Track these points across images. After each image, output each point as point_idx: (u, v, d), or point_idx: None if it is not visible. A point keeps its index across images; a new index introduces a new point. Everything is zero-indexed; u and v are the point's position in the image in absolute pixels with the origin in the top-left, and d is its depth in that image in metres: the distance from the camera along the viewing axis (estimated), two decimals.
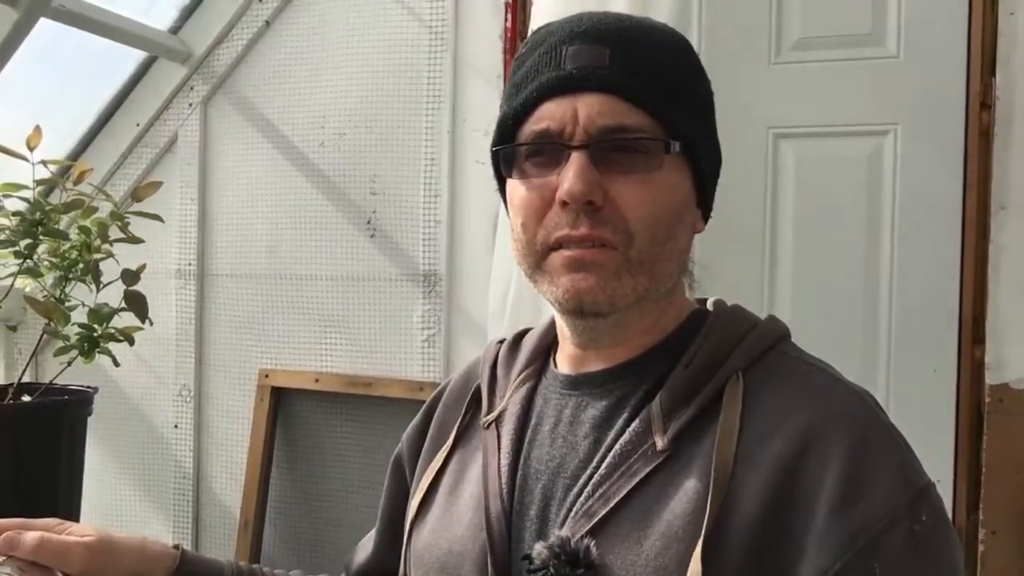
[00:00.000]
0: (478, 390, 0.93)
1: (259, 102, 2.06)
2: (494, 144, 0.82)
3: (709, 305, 0.86)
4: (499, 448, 0.85)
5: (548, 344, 0.91)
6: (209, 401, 2.10)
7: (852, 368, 1.72)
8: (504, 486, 0.82)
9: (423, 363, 1.91)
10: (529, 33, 0.88)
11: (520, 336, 0.96)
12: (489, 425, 0.88)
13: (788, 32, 1.80)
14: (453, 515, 0.85)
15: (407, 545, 0.89)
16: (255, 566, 0.99)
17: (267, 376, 2.02)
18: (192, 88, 2.08)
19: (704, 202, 0.84)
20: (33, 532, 0.80)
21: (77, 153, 2.11)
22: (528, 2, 1.80)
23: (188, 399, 2.09)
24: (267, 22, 2.03)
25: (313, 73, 2.01)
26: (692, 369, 0.77)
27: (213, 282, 2.10)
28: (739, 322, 0.82)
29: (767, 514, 0.69)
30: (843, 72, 1.76)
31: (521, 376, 0.89)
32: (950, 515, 1.66)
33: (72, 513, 1.37)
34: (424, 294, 1.92)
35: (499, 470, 0.83)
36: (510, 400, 0.88)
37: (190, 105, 2.09)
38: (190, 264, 2.09)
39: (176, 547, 0.91)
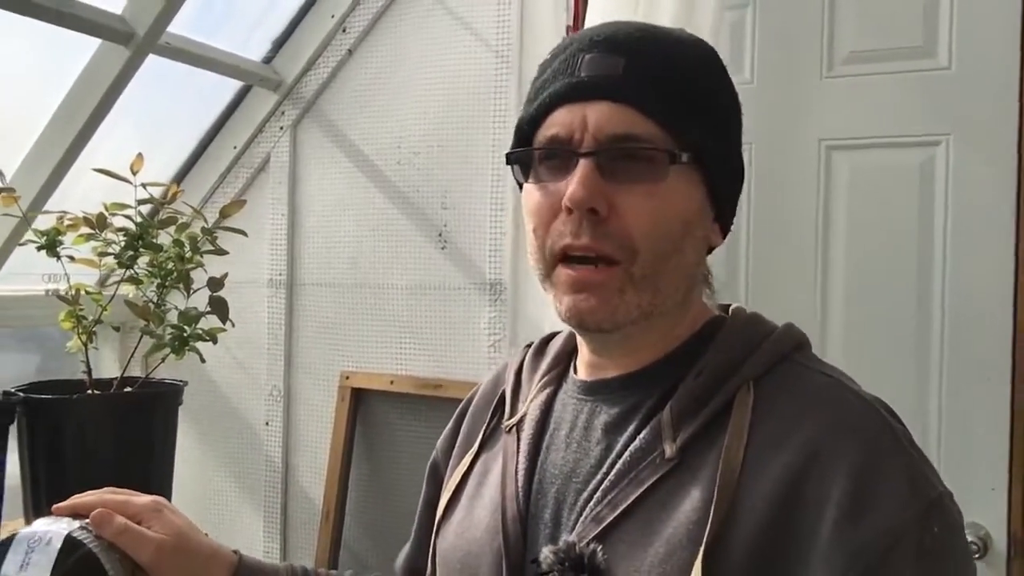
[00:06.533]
0: (504, 395, 0.95)
1: (343, 125, 2.22)
2: (511, 148, 0.84)
3: (730, 312, 0.85)
4: (518, 452, 0.86)
5: (570, 349, 0.92)
6: (296, 400, 2.27)
7: (905, 379, 1.74)
8: (520, 490, 0.83)
9: (489, 367, 2.01)
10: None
11: (547, 341, 0.97)
12: (510, 429, 0.89)
13: (840, 47, 1.83)
14: (474, 517, 0.86)
15: (434, 545, 0.92)
16: (310, 568, 1.03)
17: (347, 378, 2.17)
18: (283, 113, 2.27)
19: (722, 216, 0.83)
20: (120, 519, 0.85)
21: (182, 174, 2.32)
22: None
23: (278, 399, 2.27)
24: (350, 51, 2.20)
25: (391, 97, 2.16)
26: (703, 378, 0.77)
27: (301, 291, 2.27)
28: (754, 331, 0.81)
29: (771, 525, 0.68)
30: (895, 85, 1.78)
31: (543, 381, 0.90)
32: (1005, 523, 1.67)
33: (164, 488, 1.55)
34: (490, 302, 2.04)
35: (516, 474, 0.84)
36: (531, 405, 0.89)
37: (281, 128, 2.27)
38: (280, 274, 2.27)
39: (235, 552, 0.95)
